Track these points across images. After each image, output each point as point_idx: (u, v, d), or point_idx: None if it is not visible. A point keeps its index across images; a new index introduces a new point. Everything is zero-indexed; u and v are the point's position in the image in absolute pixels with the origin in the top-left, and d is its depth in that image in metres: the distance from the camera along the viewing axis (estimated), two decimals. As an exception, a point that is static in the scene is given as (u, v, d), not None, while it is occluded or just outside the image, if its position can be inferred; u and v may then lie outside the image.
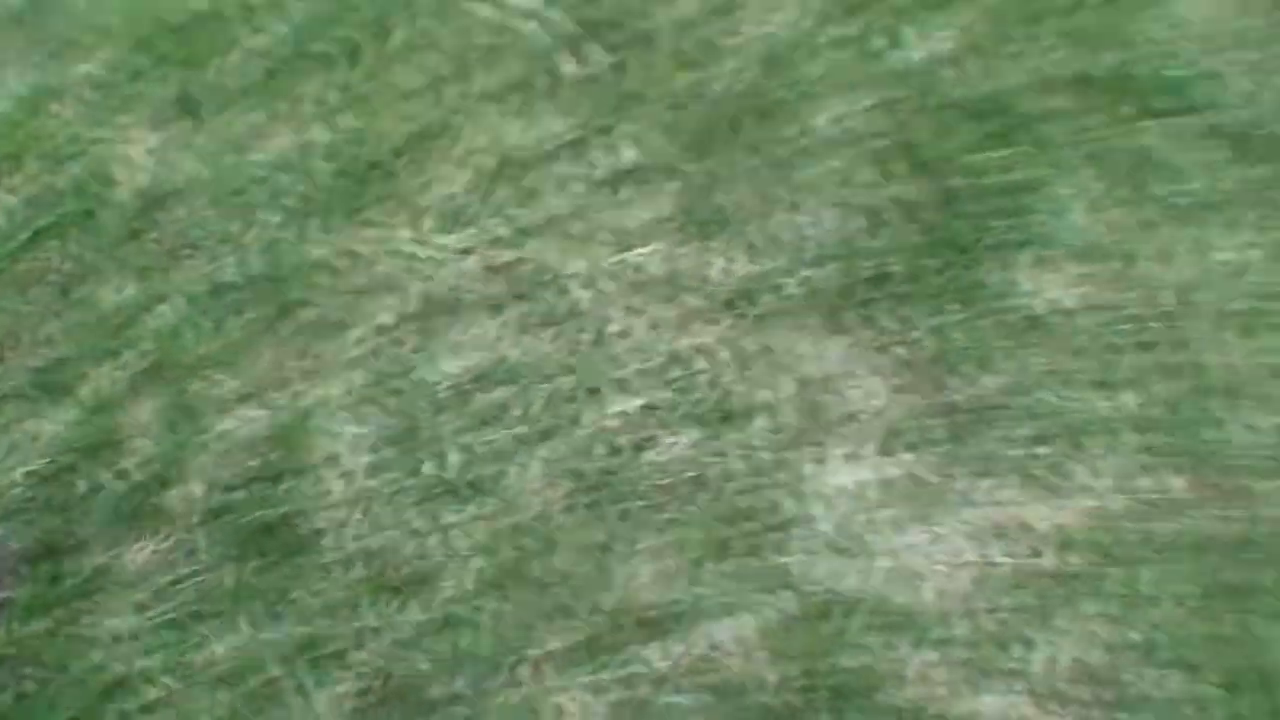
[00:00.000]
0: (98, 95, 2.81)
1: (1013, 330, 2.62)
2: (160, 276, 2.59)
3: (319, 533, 2.36)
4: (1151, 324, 2.65)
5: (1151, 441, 2.54)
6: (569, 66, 2.84)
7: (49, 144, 2.75)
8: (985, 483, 2.49)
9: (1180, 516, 2.49)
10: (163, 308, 2.58)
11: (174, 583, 2.32)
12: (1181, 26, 2.90)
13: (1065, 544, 2.45)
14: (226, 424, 2.46)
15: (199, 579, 2.32)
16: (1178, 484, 2.53)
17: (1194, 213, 2.75)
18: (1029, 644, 2.38)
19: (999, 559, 2.44)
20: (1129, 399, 2.58)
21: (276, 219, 2.65)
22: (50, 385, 2.49)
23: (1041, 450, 2.52)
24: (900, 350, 2.59)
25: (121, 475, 2.41)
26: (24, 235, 2.64)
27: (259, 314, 2.57)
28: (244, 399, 2.49)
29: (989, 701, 2.34)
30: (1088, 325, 2.62)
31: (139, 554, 2.34)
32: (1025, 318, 2.62)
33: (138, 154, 2.72)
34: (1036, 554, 2.44)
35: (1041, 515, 2.47)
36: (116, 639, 2.27)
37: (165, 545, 2.35)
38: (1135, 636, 2.39)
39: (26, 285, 2.60)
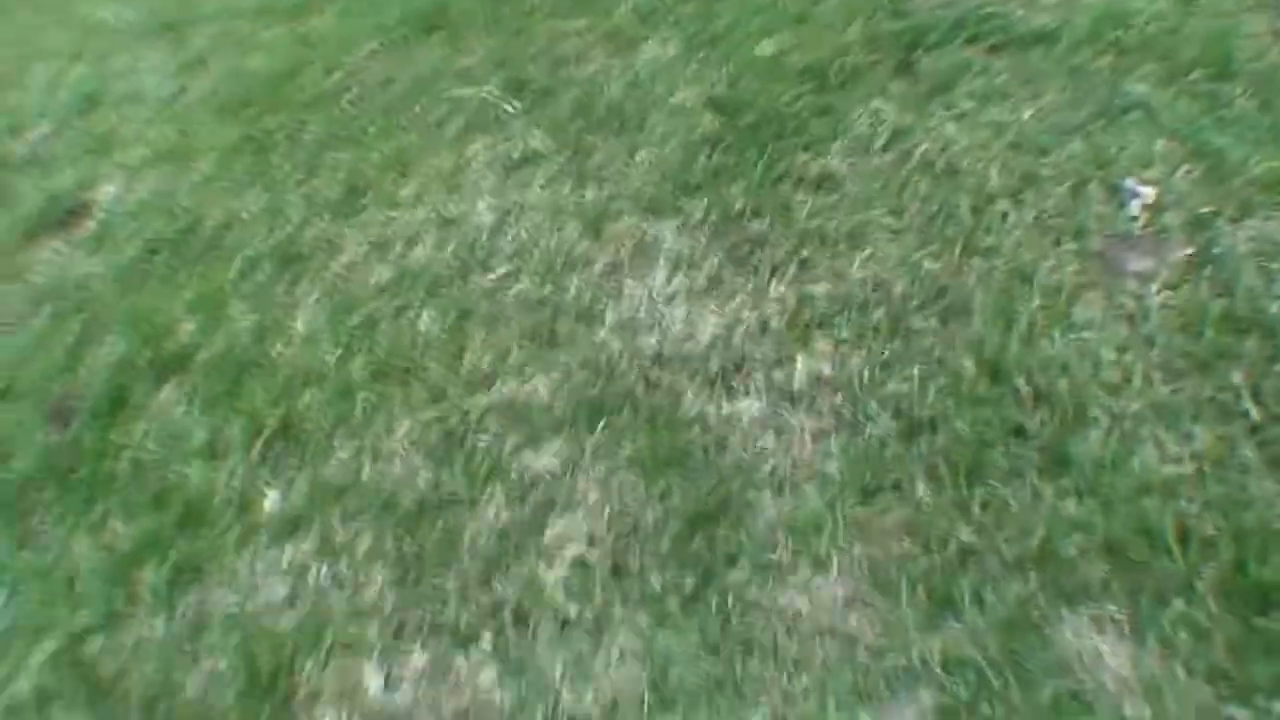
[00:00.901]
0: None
1: (800, 186, 3.17)
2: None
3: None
4: (917, 172, 3.13)
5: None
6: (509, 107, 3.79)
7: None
8: (754, 279, 2.98)
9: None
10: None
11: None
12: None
13: (805, 305, 2.88)
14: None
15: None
16: (933, 266, 2.92)
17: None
18: (778, 366, 2.78)
19: (756, 319, 2.89)
20: (884, 214, 3.03)
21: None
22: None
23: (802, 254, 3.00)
24: (710, 214, 3.18)
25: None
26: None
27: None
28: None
29: (747, 405, 2.73)
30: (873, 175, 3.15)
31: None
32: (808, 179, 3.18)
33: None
34: (785, 316, 2.88)
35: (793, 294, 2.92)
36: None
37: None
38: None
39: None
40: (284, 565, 2.74)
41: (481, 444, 2.80)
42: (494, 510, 2.68)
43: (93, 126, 4.61)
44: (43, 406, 3.31)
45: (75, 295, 3.74)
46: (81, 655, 2.73)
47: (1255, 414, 2.48)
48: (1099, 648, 2.25)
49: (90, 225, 4.06)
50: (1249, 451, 2.43)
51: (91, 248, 3.94)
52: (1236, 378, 2.53)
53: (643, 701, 2.34)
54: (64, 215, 4.13)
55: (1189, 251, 2.76)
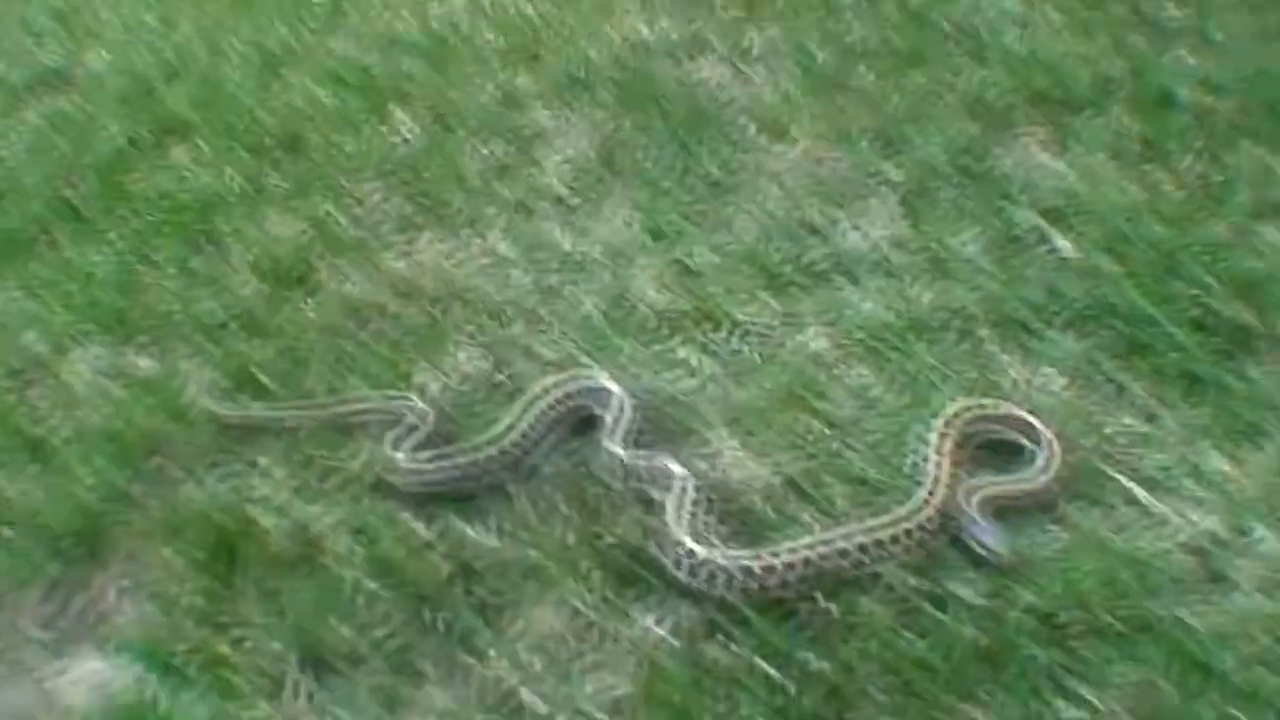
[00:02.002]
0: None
1: None
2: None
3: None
4: None
5: None
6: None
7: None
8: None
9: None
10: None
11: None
12: None
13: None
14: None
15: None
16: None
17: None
18: (736, 42, 3.00)
19: (710, 16, 3.12)
20: None
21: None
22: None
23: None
24: None
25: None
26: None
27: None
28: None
29: (712, 69, 2.94)
30: None
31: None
32: None
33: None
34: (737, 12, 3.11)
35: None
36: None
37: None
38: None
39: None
40: (293, 214, 2.77)
41: (472, 121, 2.92)
42: (488, 150, 2.79)
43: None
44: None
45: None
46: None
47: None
48: (1036, 159, 2.46)
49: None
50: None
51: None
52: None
53: (638, 241, 2.45)
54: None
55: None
